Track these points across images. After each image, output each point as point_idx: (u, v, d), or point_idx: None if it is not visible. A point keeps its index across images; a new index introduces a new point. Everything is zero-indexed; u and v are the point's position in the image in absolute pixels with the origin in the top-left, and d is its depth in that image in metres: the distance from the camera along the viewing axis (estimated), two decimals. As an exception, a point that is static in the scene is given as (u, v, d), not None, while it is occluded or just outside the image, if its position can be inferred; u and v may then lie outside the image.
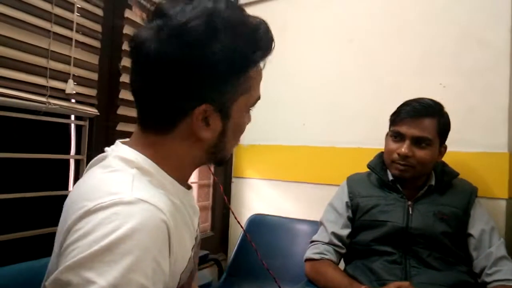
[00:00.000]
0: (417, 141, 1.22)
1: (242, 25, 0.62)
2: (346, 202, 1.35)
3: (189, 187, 0.72)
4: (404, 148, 1.22)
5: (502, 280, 1.12)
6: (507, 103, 1.46)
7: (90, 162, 0.67)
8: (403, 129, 1.24)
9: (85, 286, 0.47)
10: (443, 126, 1.25)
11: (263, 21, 0.65)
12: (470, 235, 1.21)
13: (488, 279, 1.15)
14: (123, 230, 0.50)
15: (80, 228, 0.51)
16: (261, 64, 0.67)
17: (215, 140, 0.66)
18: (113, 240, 0.49)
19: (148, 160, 0.63)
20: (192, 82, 0.60)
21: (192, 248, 0.69)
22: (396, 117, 1.27)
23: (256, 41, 0.63)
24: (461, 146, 1.47)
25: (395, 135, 1.27)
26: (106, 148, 0.67)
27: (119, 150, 0.64)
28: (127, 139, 0.68)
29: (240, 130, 0.71)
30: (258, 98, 0.70)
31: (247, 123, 0.72)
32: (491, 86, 1.48)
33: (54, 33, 1.18)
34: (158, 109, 0.63)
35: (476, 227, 1.21)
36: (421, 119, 1.22)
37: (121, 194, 0.54)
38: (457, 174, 1.29)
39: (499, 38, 1.48)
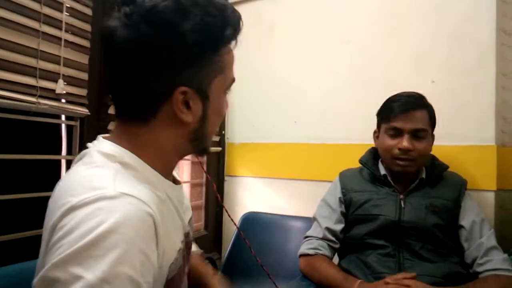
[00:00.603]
0: (415, 134, 1.24)
1: (210, 4, 0.62)
2: (339, 198, 1.36)
3: (177, 182, 0.72)
4: (405, 142, 1.23)
5: (493, 270, 1.14)
6: (494, 99, 1.50)
7: (74, 159, 0.67)
8: (400, 124, 1.25)
9: (73, 282, 0.47)
10: (432, 116, 1.28)
11: (228, 2, 0.66)
12: (461, 226, 1.23)
13: (479, 269, 1.17)
14: (108, 224, 0.50)
15: (65, 224, 0.51)
16: (232, 45, 0.68)
17: (197, 124, 0.66)
18: (98, 234, 0.49)
19: (131, 154, 0.62)
20: (167, 64, 0.60)
21: (182, 241, 0.69)
22: (390, 114, 1.28)
23: (225, 18, 0.63)
24: (450, 140, 1.50)
25: (391, 131, 1.27)
26: (88, 144, 0.66)
27: (100, 145, 0.63)
28: (108, 134, 0.68)
29: (219, 114, 0.71)
30: (233, 80, 0.71)
31: (226, 109, 0.73)
32: (480, 83, 1.52)
33: (43, 32, 1.17)
34: (137, 97, 0.63)
35: (467, 219, 1.23)
36: (415, 112, 1.24)
37: (104, 189, 0.54)
38: (447, 167, 1.32)
39: (486, 36, 1.51)
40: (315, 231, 1.35)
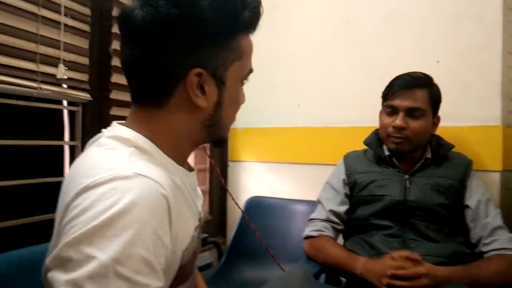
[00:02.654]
0: (410, 112, 1.23)
1: None
2: (343, 179, 1.35)
3: (191, 169, 0.71)
4: (398, 120, 1.23)
5: (499, 249, 1.14)
6: (500, 78, 1.48)
7: (87, 143, 0.66)
8: (396, 102, 1.24)
9: (86, 262, 0.47)
10: (435, 96, 1.26)
11: None
12: (467, 206, 1.23)
13: (485, 249, 1.16)
14: (122, 204, 0.49)
15: (79, 204, 0.51)
16: (251, 35, 0.67)
17: (211, 111, 0.65)
18: (112, 214, 0.49)
19: (146, 139, 0.62)
20: (182, 44, 0.59)
21: (196, 228, 0.68)
22: (389, 91, 1.28)
23: (244, 0, 0.62)
24: (456, 121, 1.49)
25: (388, 109, 1.27)
26: (103, 130, 0.66)
27: (115, 130, 0.63)
28: (124, 121, 0.67)
29: (236, 103, 0.70)
30: (251, 70, 0.70)
31: (242, 102, 0.72)
32: (485, 62, 1.49)
33: (42, 17, 1.15)
34: (151, 78, 0.62)
35: (473, 199, 1.22)
36: (413, 91, 1.23)
37: (118, 169, 0.53)
38: (453, 146, 1.30)
39: (492, 15, 1.48)
40: (319, 213, 1.35)
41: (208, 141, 0.72)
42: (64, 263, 0.48)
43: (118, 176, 0.52)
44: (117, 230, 0.48)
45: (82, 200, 0.51)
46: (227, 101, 0.66)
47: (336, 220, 1.33)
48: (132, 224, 0.49)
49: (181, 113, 0.64)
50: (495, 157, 1.47)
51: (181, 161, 0.68)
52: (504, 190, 1.51)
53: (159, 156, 0.62)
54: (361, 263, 1.16)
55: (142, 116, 0.64)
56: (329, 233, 1.30)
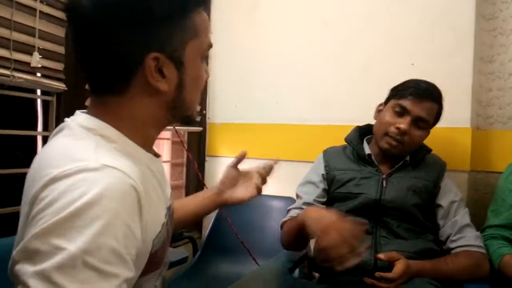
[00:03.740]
0: (417, 121, 1.23)
1: None
2: (322, 174, 1.36)
3: (157, 155, 0.71)
4: (404, 124, 1.22)
5: (465, 246, 1.19)
6: (470, 83, 1.54)
7: (52, 132, 0.65)
8: (409, 105, 1.22)
9: (54, 253, 0.46)
10: (439, 113, 1.28)
11: None
12: (439, 205, 1.27)
13: (452, 245, 1.21)
14: (91, 195, 0.49)
15: (46, 195, 0.50)
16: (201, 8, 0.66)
17: (173, 93, 0.64)
18: (80, 205, 0.48)
19: (110, 127, 0.61)
20: (134, 30, 0.59)
21: (165, 215, 0.68)
22: (404, 91, 1.25)
23: None
24: (428, 122, 1.53)
25: (398, 108, 1.25)
26: (66, 119, 0.65)
27: (79, 119, 0.62)
28: (85, 110, 0.66)
29: (198, 81, 0.69)
30: (210, 45, 0.69)
31: (206, 78, 0.71)
32: (457, 67, 1.55)
33: (17, 2, 1.12)
34: (108, 68, 0.61)
35: (445, 199, 1.26)
36: (426, 101, 1.23)
37: (86, 160, 0.53)
38: (430, 150, 1.34)
39: (465, 22, 1.53)
40: (297, 204, 1.36)
41: (175, 121, 0.72)
42: (32, 255, 0.47)
43: (85, 168, 0.52)
44: (86, 220, 0.48)
45: (50, 191, 0.50)
46: (189, 81, 0.66)
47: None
48: (102, 215, 0.49)
49: (142, 99, 0.63)
50: (464, 158, 1.53)
51: (148, 147, 0.67)
52: (472, 190, 1.58)
53: (125, 144, 0.62)
54: (307, 210, 1.13)
55: (104, 105, 0.63)
56: None
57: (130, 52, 0.60)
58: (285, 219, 1.35)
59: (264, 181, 1.01)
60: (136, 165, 0.60)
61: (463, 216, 1.24)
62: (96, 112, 0.63)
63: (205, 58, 0.70)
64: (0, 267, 0.59)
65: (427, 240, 1.25)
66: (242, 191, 0.99)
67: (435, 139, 1.51)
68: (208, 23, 0.68)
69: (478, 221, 1.31)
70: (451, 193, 1.28)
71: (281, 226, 1.36)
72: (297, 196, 1.41)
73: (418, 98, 1.23)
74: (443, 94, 1.52)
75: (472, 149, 1.53)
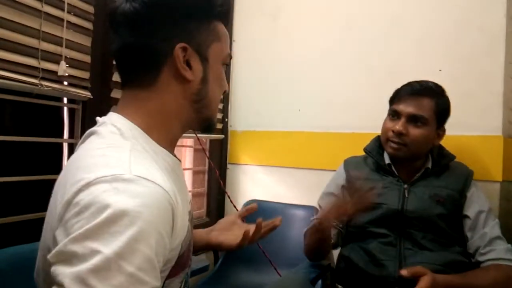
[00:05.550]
0: (412, 119, 1.22)
1: None
2: (343, 186, 1.35)
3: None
4: (398, 126, 1.22)
5: (495, 259, 1.13)
6: (502, 88, 1.47)
7: (85, 134, 0.67)
8: (400, 107, 1.24)
9: (91, 256, 0.47)
10: (441, 107, 1.25)
11: None
12: (466, 216, 1.22)
13: (481, 258, 1.16)
14: (126, 204, 0.50)
15: (81, 199, 0.51)
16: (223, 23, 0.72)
17: (198, 85, 0.68)
18: (116, 212, 0.49)
19: (141, 131, 0.64)
20: (167, 23, 0.65)
21: (189, 219, 0.69)
22: (395, 96, 1.28)
23: None
24: (456, 130, 1.47)
25: (392, 114, 1.27)
26: (98, 118, 0.68)
27: (111, 120, 0.65)
28: (116, 106, 0.69)
29: (220, 82, 0.73)
30: (230, 55, 0.75)
31: (225, 88, 0.75)
32: (487, 71, 1.49)
33: (45, 13, 1.15)
34: (141, 58, 0.66)
35: (472, 209, 1.22)
36: (419, 98, 1.23)
37: (120, 168, 0.54)
38: (454, 157, 1.30)
39: (495, 24, 1.48)
40: (319, 214, 1.34)
41: (196, 122, 0.73)
42: (69, 258, 0.48)
43: (120, 177, 0.53)
44: (122, 227, 0.49)
45: (85, 195, 0.52)
46: (212, 79, 0.70)
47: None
48: (137, 222, 0.50)
49: (170, 88, 0.67)
50: (495, 167, 1.46)
51: (171, 145, 0.71)
52: (504, 201, 1.50)
53: (155, 149, 0.65)
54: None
55: (133, 99, 0.67)
56: None
57: (162, 42, 0.65)
58: (307, 228, 1.33)
59: (261, 235, 0.93)
60: (166, 172, 0.62)
61: (492, 228, 1.19)
62: (127, 110, 0.66)
63: (225, 66, 0.74)
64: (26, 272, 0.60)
65: (454, 252, 1.20)
66: (228, 236, 0.93)
67: (465, 148, 1.46)
68: (228, 37, 0.74)
69: (511, 234, 1.25)
70: (479, 203, 1.23)
71: (304, 235, 1.34)
72: (319, 207, 1.39)
73: (407, 97, 1.24)
74: (472, 100, 1.47)
75: (504, 158, 1.46)
